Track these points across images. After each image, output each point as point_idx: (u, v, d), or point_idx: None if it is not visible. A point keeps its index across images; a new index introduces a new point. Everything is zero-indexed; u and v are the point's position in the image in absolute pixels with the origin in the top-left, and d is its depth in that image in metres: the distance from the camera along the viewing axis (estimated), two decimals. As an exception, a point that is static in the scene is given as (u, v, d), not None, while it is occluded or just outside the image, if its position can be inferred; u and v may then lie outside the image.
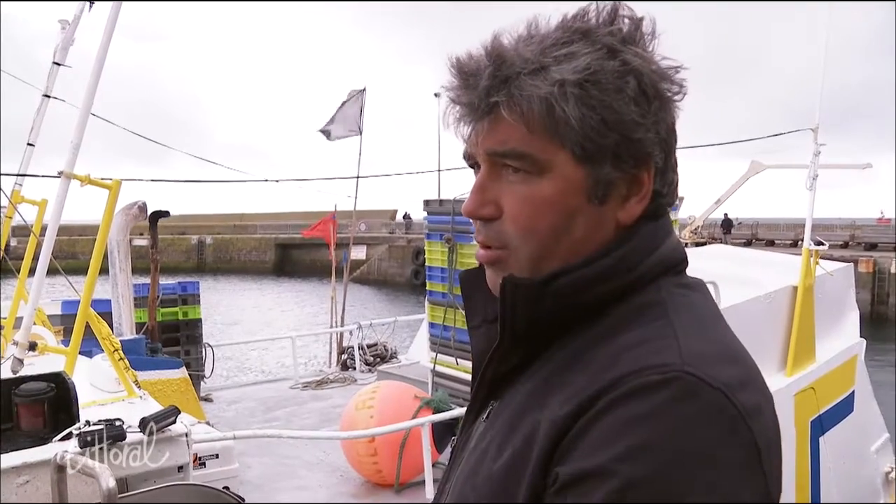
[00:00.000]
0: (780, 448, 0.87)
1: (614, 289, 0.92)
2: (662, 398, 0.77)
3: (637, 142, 0.92)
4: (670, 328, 0.86)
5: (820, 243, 7.21)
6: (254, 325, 27.38)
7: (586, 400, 0.81)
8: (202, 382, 8.23)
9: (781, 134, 7.69)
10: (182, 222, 57.85)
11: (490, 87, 0.91)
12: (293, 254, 52.03)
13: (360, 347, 9.55)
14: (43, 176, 4.49)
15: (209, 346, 8.57)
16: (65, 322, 6.54)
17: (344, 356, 9.77)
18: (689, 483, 0.74)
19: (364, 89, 10.98)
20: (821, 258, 7.23)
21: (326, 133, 11.22)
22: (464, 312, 1.18)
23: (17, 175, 5.44)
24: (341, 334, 10.30)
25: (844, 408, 7.22)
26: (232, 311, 30.33)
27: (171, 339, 8.11)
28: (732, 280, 6.38)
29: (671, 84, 0.94)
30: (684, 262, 1.00)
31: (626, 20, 0.93)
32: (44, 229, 4.74)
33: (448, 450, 5.37)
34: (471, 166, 1.02)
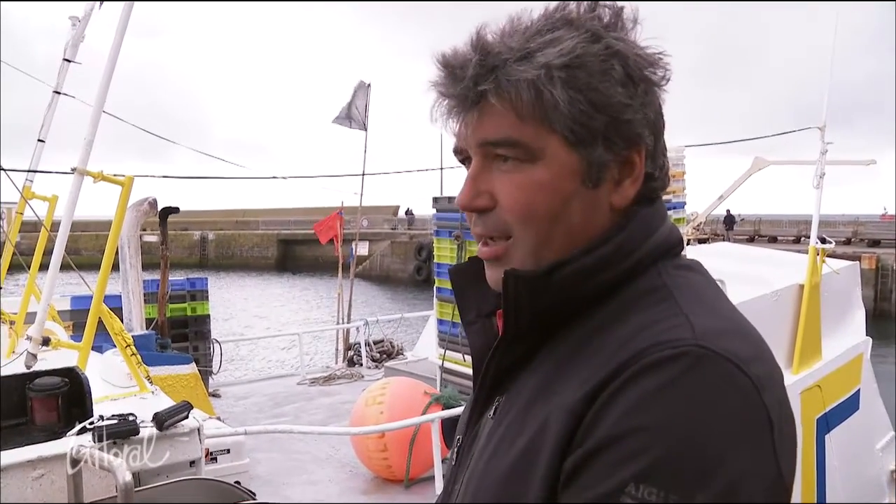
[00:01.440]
0: (793, 421, 0.87)
1: (615, 275, 0.93)
2: (678, 371, 0.77)
3: (626, 123, 0.92)
4: (677, 308, 0.87)
5: (824, 241, 7.22)
6: (256, 321, 27.38)
7: (599, 383, 0.81)
8: (210, 378, 8.26)
9: (789, 133, 7.68)
10: (184, 218, 57.71)
11: (477, 76, 0.91)
12: (295, 250, 52.03)
13: (367, 344, 9.56)
14: (56, 172, 4.50)
15: (217, 342, 8.61)
16: (74, 317, 6.56)
17: (350, 352, 9.78)
18: (705, 456, 0.74)
19: (369, 84, 10.94)
20: (826, 256, 7.24)
21: (345, 122, 11.16)
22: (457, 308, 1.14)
23: (28, 171, 5.45)
24: (347, 330, 10.31)
25: (850, 406, 7.23)
26: (233, 308, 30.31)
27: (180, 335, 8.13)
28: (739, 278, 6.37)
29: (656, 69, 0.95)
30: (680, 244, 1.01)
31: (607, 10, 0.95)
32: (56, 225, 4.76)
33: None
34: (462, 162, 1.02)
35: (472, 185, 0.97)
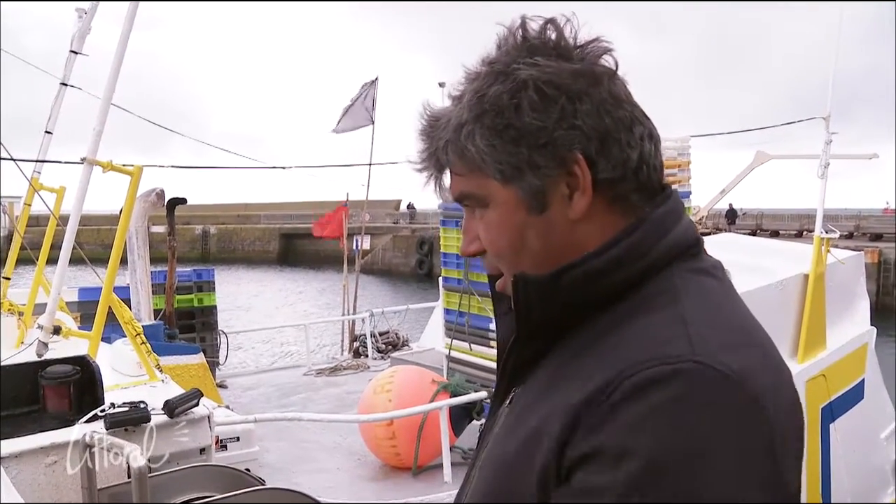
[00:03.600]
0: (800, 427, 0.90)
1: (627, 277, 0.94)
2: (674, 391, 0.79)
3: (546, 146, 0.94)
4: (679, 316, 0.88)
5: (827, 231, 7.23)
6: (259, 315, 27.38)
7: (597, 390, 0.83)
8: (217, 369, 8.28)
9: (794, 122, 7.69)
10: (186, 212, 57.47)
11: (427, 156, 1.03)
12: (297, 244, 51.97)
13: (373, 335, 9.58)
14: (66, 162, 4.52)
15: (223, 332, 8.63)
16: (82, 308, 6.59)
17: (356, 343, 9.81)
18: (701, 473, 0.76)
19: (376, 79, 11.00)
20: (831, 247, 7.25)
21: (349, 127, 11.24)
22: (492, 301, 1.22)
23: (37, 161, 5.46)
24: (353, 322, 10.35)
25: (855, 395, 7.23)
26: (236, 301, 30.28)
27: (187, 326, 8.17)
28: (744, 268, 6.37)
29: (578, 77, 0.95)
30: (697, 243, 1.01)
31: (533, 31, 0.98)
32: (64, 217, 4.78)
33: (465, 434, 5.42)
34: None
35: (465, 233, 1.08)
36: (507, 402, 1.06)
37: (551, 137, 0.94)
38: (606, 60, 0.98)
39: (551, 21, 0.97)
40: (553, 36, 0.97)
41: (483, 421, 1.24)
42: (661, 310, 0.90)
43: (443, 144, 0.99)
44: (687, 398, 0.79)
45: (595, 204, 0.96)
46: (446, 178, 1.04)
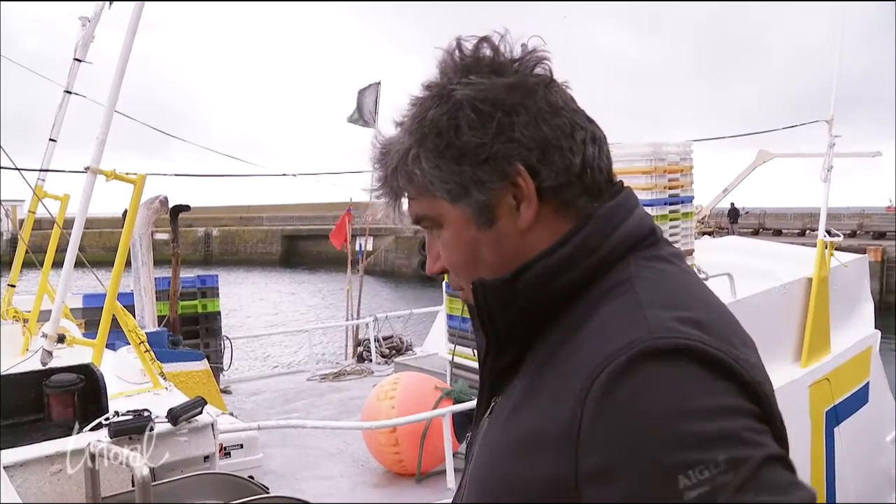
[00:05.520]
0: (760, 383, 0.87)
1: (582, 273, 0.96)
2: (637, 375, 0.80)
3: (488, 161, 0.96)
4: (635, 300, 0.89)
5: (831, 234, 7.21)
6: (262, 317, 27.37)
7: (575, 402, 0.83)
8: (221, 375, 8.27)
9: (797, 126, 7.68)
10: (188, 215, 56.84)
11: (380, 185, 1.06)
12: (300, 245, 51.98)
13: (376, 340, 9.54)
14: (70, 171, 4.53)
15: (227, 338, 8.64)
16: (86, 315, 6.60)
17: (360, 348, 9.78)
18: (697, 436, 0.75)
19: (379, 83, 10.98)
20: (834, 249, 7.24)
21: (356, 119, 11.21)
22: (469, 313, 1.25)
23: (42, 170, 5.48)
24: (357, 326, 10.32)
25: (859, 399, 7.22)
26: (239, 304, 30.26)
27: (191, 332, 8.15)
28: (747, 272, 6.38)
29: (511, 91, 0.97)
30: (652, 233, 1.02)
31: (468, 50, 1.00)
32: (68, 223, 4.79)
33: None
34: None
35: (429, 252, 1.10)
36: (488, 412, 1.07)
37: (491, 152, 0.96)
38: (542, 70, 1.00)
39: (485, 39, 1.00)
40: (488, 53, 0.99)
41: None
42: (618, 298, 0.91)
43: (391, 171, 1.02)
44: (648, 377, 0.79)
45: (543, 211, 0.99)
46: (405, 204, 1.07)
